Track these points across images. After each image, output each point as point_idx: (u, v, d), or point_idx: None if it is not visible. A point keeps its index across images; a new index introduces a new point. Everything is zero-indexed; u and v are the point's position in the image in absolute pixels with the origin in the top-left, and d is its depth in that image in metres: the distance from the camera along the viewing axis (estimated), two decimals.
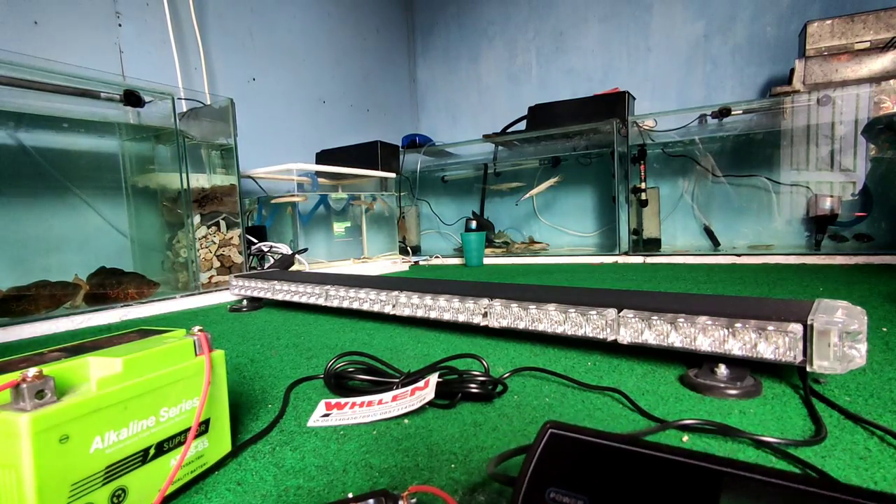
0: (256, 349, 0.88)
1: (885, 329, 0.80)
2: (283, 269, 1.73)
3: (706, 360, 0.60)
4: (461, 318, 0.84)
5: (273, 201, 1.99)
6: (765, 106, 2.12)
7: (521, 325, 0.76)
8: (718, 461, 0.15)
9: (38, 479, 0.30)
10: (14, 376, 0.31)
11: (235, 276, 1.35)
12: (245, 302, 1.34)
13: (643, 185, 2.28)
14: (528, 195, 2.67)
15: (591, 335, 0.68)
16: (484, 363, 0.63)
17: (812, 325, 0.51)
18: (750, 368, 0.58)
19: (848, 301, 0.58)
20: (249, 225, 1.99)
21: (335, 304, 1.07)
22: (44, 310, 1.23)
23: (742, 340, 0.56)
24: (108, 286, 1.35)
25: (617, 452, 0.17)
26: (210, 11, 2.08)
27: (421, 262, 2.62)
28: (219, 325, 1.14)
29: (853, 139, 1.93)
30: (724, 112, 2.10)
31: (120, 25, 1.75)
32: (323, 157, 2.55)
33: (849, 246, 2.00)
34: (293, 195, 1.95)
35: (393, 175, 2.43)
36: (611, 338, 0.66)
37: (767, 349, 0.54)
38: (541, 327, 0.74)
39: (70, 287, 1.31)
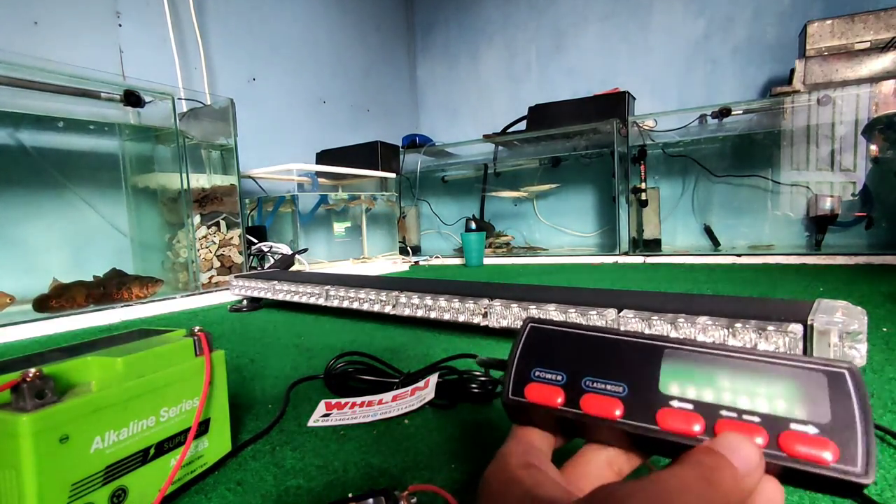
0: (256, 349, 0.88)
1: (885, 329, 0.80)
2: (284, 269, 1.73)
3: None
4: (461, 318, 0.84)
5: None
6: (765, 106, 2.12)
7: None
8: (663, 339, 0.21)
9: (38, 479, 0.30)
10: (14, 376, 0.31)
11: (236, 276, 1.35)
12: (245, 302, 1.34)
13: (643, 186, 2.28)
14: (507, 194, 2.74)
15: None
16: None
17: (812, 325, 0.51)
18: None
19: (848, 301, 0.58)
20: (250, 224, 2.00)
21: (335, 304, 1.07)
22: (76, 308, 1.29)
23: (742, 340, 0.56)
24: (108, 285, 1.35)
25: (584, 337, 0.22)
26: (210, 11, 2.08)
27: (421, 263, 2.62)
28: (219, 325, 1.14)
29: (853, 139, 1.93)
30: (724, 112, 2.10)
31: (120, 25, 1.75)
32: (323, 157, 2.55)
33: (849, 245, 2.01)
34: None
35: (393, 175, 2.42)
36: None
37: (767, 349, 0.54)
38: None
39: (102, 286, 1.34)
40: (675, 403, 0.19)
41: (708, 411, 0.18)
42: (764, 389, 0.18)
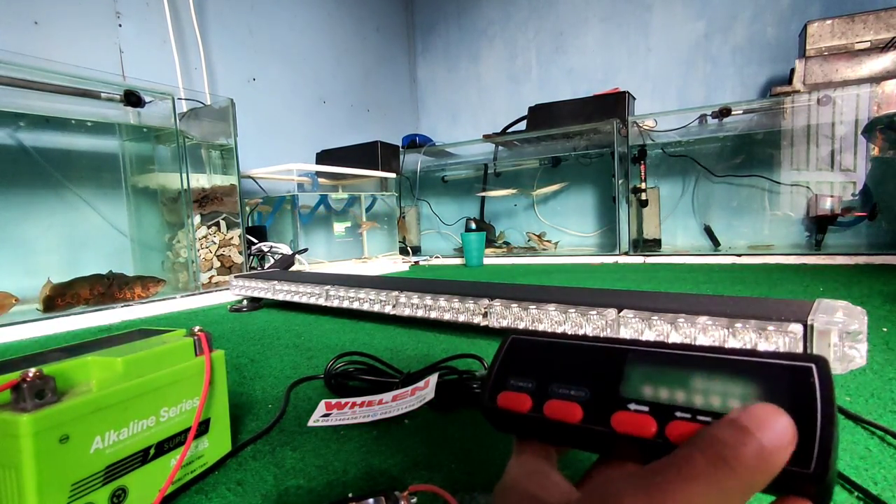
0: (256, 349, 0.88)
1: (885, 329, 0.80)
2: (284, 269, 1.73)
3: None
4: (461, 319, 0.84)
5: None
6: (765, 106, 2.12)
7: (522, 326, 0.76)
8: (629, 342, 0.21)
9: (39, 479, 0.30)
10: (14, 376, 0.31)
11: (236, 276, 1.35)
12: (245, 302, 1.34)
13: (643, 185, 2.28)
14: (498, 193, 2.75)
15: (591, 335, 0.68)
16: (484, 363, 0.63)
17: (812, 326, 0.51)
18: None
19: (848, 301, 0.58)
20: (250, 224, 1.99)
21: (335, 304, 1.07)
22: (83, 303, 1.28)
23: (742, 340, 0.56)
24: (112, 283, 1.36)
25: (556, 346, 0.23)
26: (210, 11, 2.08)
27: (421, 262, 2.62)
28: (219, 325, 1.14)
29: (853, 139, 1.93)
30: (724, 112, 2.10)
31: (120, 25, 1.75)
32: (323, 157, 2.55)
33: (849, 245, 2.01)
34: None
35: (393, 175, 2.42)
36: None
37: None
38: (541, 327, 0.74)
39: (105, 280, 1.34)
40: (632, 406, 0.19)
41: (662, 413, 0.18)
42: (723, 389, 0.18)
